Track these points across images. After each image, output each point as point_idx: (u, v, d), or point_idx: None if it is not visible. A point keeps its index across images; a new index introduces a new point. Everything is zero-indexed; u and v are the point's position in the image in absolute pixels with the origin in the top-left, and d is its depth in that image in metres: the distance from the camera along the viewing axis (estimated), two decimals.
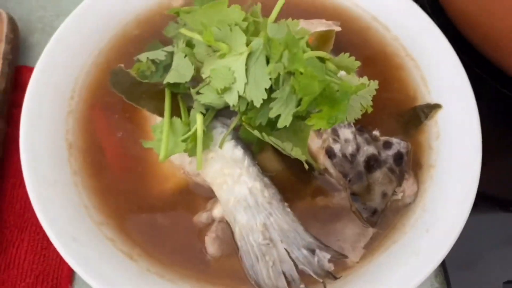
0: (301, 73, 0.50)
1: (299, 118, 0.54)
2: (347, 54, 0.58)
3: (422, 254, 0.55)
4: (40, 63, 0.64)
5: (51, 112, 0.62)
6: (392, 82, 0.69)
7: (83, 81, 0.66)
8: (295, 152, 0.54)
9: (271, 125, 0.55)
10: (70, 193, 0.58)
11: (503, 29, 0.72)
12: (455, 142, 0.63)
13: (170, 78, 0.58)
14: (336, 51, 0.67)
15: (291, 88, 0.52)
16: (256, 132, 0.55)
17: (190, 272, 0.56)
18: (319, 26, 0.68)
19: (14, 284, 0.65)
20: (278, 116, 0.53)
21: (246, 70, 0.52)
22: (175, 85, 0.59)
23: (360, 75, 0.60)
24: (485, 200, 0.75)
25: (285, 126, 0.53)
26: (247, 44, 0.54)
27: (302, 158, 0.55)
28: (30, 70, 0.81)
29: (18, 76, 0.81)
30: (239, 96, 0.53)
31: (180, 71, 0.59)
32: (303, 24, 0.69)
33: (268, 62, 0.52)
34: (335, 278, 0.50)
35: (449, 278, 0.68)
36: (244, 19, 0.57)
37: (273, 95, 0.52)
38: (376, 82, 0.60)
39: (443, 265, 0.68)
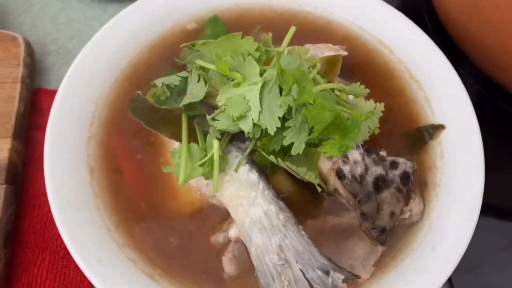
0: (311, 104, 0.53)
1: (311, 145, 0.57)
2: (358, 83, 0.61)
3: (429, 271, 0.58)
4: (61, 89, 0.66)
5: (73, 137, 0.65)
6: (396, 103, 0.72)
7: (103, 107, 0.69)
8: (309, 176, 0.57)
9: (285, 150, 0.58)
10: (92, 216, 0.60)
11: (502, 48, 0.75)
12: (459, 161, 0.66)
13: (186, 100, 0.61)
14: (343, 73, 0.70)
15: (303, 117, 0.54)
16: (271, 158, 0.57)
17: None
18: (326, 51, 0.70)
19: None
20: (292, 143, 0.55)
21: (260, 99, 0.55)
22: (191, 108, 0.63)
23: (367, 97, 0.63)
24: (488, 210, 0.78)
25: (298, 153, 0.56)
26: (261, 74, 0.57)
27: (316, 181, 0.58)
28: (46, 92, 0.84)
29: (35, 99, 0.83)
30: (254, 124, 0.56)
31: (193, 93, 0.62)
32: (310, 48, 0.72)
33: (281, 91, 0.55)
34: None
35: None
36: (257, 49, 0.60)
37: (286, 124, 0.55)
38: (382, 104, 0.63)
39: (449, 279, 0.71)
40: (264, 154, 0.58)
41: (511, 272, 0.73)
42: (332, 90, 0.59)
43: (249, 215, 0.58)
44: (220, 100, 0.59)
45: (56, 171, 0.61)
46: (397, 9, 0.78)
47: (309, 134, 0.55)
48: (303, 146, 0.56)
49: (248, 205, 0.59)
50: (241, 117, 0.57)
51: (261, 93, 0.56)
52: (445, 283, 0.71)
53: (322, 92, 0.57)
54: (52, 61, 0.89)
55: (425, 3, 0.94)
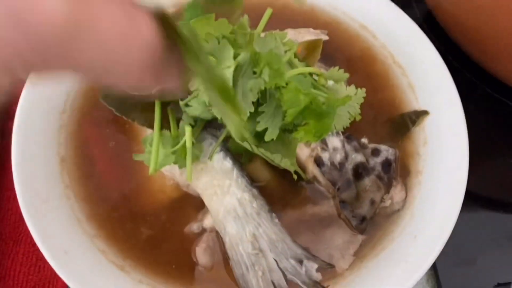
0: (284, 87, 0.51)
1: (287, 131, 0.55)
2: (336, 68, 0.58)
3: (410, 260, 0.56)
4: (31, 76, 0.64)
5: (43, 127, 0.63)
6: (379, 89, 0.70)
7: (75, 95, 0.67)
8: (284, 163, 0.55)
9: (260, 137, 0.56)
10: (62, 206, 0.59)
11: (490, 33, 0.73)
12: (442, 148, 0.64)
13: None
14: (324, 59, 0.68)
15: (277, 102, 0.52)
16: (246, 144, 0.55)
17: (182, 282, 0.57)
18: (307, 35, 0.68)
19: None
20: (266, 129, 0.53)
21: (234, 83, 0.53)
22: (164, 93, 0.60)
23: (348, 83, 0.61)
24: (474, 201, 0.76)
25: (273, 139, 0.53)
26: (235, 57, 0.55)
27: (291, 168, 0.56)
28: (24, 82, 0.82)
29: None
30: None
31: None
32: (291, 33, 0.70)
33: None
34: (323, 287, 0.51)
35: (440, 282, 0.68)
36: (232, 32, 0.57)
37: (260, 109, 0.53)
38: (364, 90, 0.61)
39: (435, 269, 0.69)
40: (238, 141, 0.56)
41: (499, 269, 0.71)
42: (310, 74, 0.57)
43: (223, 204, 0.56)
44: (193, 85, 0.57)
45: (24, 161, 0.59)
46: None
47: (284, 120, 0.53)
48: (277, 131, 0.54)
49: (222, 193, 0.57)
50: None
51: (234, 77, 0.54)
52: (432, 277, 0.69)
53: (297, 76, 0.55)
54: None
55: None
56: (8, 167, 0.74)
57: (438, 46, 0.75)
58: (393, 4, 0.73)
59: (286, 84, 0.52)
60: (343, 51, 0.73)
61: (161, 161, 0.57)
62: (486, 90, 0.85)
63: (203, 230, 0.59)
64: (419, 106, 0.68)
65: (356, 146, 0.63)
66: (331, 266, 0.54)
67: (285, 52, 0.57)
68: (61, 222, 0.57)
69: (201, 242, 0.58)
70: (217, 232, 0.58)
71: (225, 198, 0.56)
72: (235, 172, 0.56)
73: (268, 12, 0.60)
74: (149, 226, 0.59)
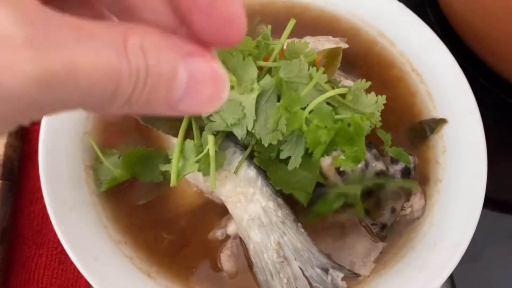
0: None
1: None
2: (359, 80, 0.60)
3: (430, 269, 0.57)
4: None
5: (69, 134, 0.64)
6: (398, 96, 0.71)
7: None
8: (298, 194, 0.57)
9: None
10: (89, 213, 0.60)
11: (505, 39, 0.74)
12: (461, 157, 0.65)
13: None
14: (344, 66, 0.69)
15: (299, 131, 0.54)
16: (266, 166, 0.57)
17: (207, 287, 0.58)
18: (326, 43, 0.69)
19: None
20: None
21: (256, 108, 0.54)
22: None
23: (368, 90, 0.62)
24: (492, 206, 0.77)
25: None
26: (259, 74, 0.56)
27: (304, 200, 0.58)
28: None
29: None
30: (248, 131, 0.55)
31: None
32: (310, 40, 0.71)
33: (279, 100, 0.54)
34: None
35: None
36: (256, 46, 0.58)
37: (283, 138, 0.54)
38: (384, 97, 0.62)
39: (451, 277, 0.70)
40: (257, 163, 0.57)
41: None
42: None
43: (247, 212, 0.57)
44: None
45: (51, 168, 0.60)
46: (399, 1, 0.77)
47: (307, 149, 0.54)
48: (300, 160, 0.55)
49: (246, 201, 0.58)
50: (236, 123, 0.56)
51: (257, 102, 0.55)
52: (448, 283, 0.70)
53: (317, 111, 0.54)
54: None
55: None
56: (29, 171, 0.76)
57: (452, 51, 0.76)
58: (410, 12, 0.74)
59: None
60: (362, 58, 0.74)
61: (184, 170, 0.58)
62: (500, 95, 0.86)
63: (227, 237, 0.60)
64: (437, 114, 0.69)
65: (376, 154, 0.64)
66: (357, 275, 0.55)
67: (309, 66, 0.58)
68: (88, 229, 0.58)
69: (225, 248, 0.59)
70: (240, 239, 0.59)
71: (249, 205, 0.57)
72: (260, 181, 0.57)
73: (292, 22, 0.60)
74: (173, 232, 0.61)
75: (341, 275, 0.51)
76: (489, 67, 0.84)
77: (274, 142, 0.54)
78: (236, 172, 0.58)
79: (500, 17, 0.72)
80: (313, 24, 0.76)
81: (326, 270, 0.52)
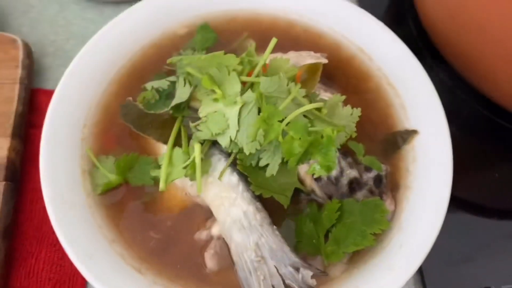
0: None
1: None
2: (335, 95, 0.65)
3: (396, 268, 0.62)
4: (57, 91, 0.71)
5: (67, 139, 0.69)
6: (374, 108, 0.76)
7: (95, 110, 0.73)
8: (278, 197, 0.62)
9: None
10: (85, 214, 0.65)
11: (478, 54, 0.79)
12: (430, 166, 0.70)
13: (174, 101, 0.66)
14: (323, 79, 0.74)
15: (276, 141, 0.59)
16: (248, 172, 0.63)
17: (191, 284, 0.64)
18: (307, 58, 0.74)
19: None
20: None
21: (239, 119, 0.60)
22: (179, 109, 0.67)
23: (344, 103, 0.67)
24: (462, 209, 0.82)
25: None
26: (242, 88, 0.61)
27: (284, 202, 0.63)
28: (44, 92, 0.89)
29: (33, 98, 0.88)
30: (231, 140, 0.61)
31: (181, 96, 0.66)
32: (292, 55, 0.76)
33: (259, 112, 0.60)
34: None
35: (426, 286, 0.75)
36: (240, 62, 0.64)
37: (262, 147, 0.60)
38: (359, 109, 0.67)
39: (421, 274, 0.76)
40: (240, 169, 0.63)
41: (483, 274, 0.77)
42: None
43: (230, 215, 0.63)
44: (202, 112, 0.63)
45: (51, 171, 0.65)
46: (384, 14, 0.81)
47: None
48: (277, 167, 0.61)
49: (229, 205, 0.63)
50: (220, 133, 0.62)
51: (240, 114, 0.61)
52: (419, 282, 0.75)
53: (293, 124, 0.60)
54: (50, 62, 0.93)
55: (410, 8, 0.98)
56: (30, 172, 0.81)
57: (431, 63, 0.80)
58: (388, 29, 0.79)
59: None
60: (341, 72, 0.79)
61: (172, 175, 0.63)
62: (476, 107, 0.91)
63: (211, 237, 0.66)
64: (410, 125, 0.74)
65: (351, 162, 0.69)
66: (325, 273, 0.61)
67: (288, 81, 0.63)
68: (84, 228, 0.64)
69: (209, 248, 0.65)
70: (223, 239, 0.64)
71: (232, 209, 0.63)
72: (241, 187, 0.63)
73: (273, 41, 0.66)
74: (162, 232, 0.66)
75: (311, 273, 0.57)
76: (464, 79, 0.89)
77: (253, 151, 0.59)
78: (220, 177, 0.64)
79: (475, 34, 0.77)
80: (298, 39, 0.82)
81: (297, 269, 0.57)
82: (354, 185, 0.67)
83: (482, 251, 0.80)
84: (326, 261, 0.64)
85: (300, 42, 0.81)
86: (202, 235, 0.66)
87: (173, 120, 0.68)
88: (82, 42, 0.77)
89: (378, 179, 0.69)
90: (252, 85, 0.63)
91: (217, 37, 0.81)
